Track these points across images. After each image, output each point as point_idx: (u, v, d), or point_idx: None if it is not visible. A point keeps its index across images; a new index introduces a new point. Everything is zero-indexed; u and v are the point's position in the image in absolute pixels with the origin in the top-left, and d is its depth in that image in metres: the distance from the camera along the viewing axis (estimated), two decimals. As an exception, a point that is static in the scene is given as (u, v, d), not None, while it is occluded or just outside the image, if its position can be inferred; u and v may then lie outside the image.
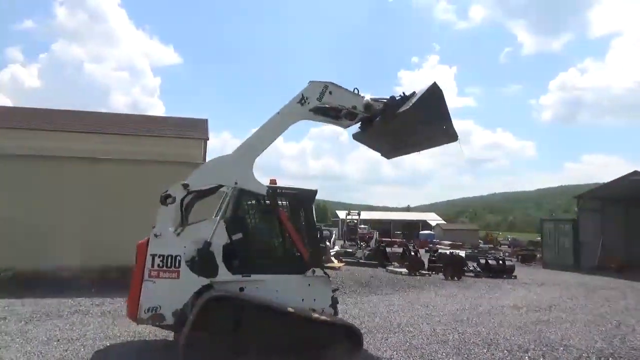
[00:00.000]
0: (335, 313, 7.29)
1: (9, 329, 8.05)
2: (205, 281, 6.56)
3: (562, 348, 8.14)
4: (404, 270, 19.96)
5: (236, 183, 7.07)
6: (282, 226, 7.16)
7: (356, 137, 8.57)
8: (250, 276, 6.82)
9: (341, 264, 20.71)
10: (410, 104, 7.37)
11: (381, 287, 15.08)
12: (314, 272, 7.12)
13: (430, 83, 7.49)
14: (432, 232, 65.54)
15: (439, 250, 27.23)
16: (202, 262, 6.59)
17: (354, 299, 12.65)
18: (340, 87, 7.62)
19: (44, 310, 9.49)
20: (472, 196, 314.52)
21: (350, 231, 37.49)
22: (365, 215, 58.28)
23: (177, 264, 6.56)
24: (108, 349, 7.16)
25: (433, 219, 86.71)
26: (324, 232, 33.78)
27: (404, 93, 7.80)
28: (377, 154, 8.98)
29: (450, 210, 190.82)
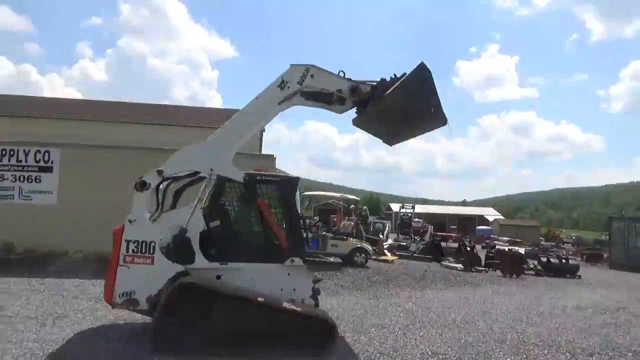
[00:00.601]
0: (316, 305, 7.06)
1: (81, 307, 8.61)
2: (180, 268, 6.54)
3: (630, 354, 7.68)
4: (460, 265, 19.51)
5: (212, 170, 6.95)
6: (261, 214, 6.96)
7: (354, 122, 8.07)
8: (227, 264, 6.73)
9: (395, 257, 20.56)
10: (395, 86, 6.97)
11: (435, 282, 14.83)
12: (292, 261, 6.90)
13: (418, 64, 6.98)
14: (489, 228, 63.57)
15: (497, 247, 26.38)
16: (178, 248, 6.59)
17: (407, 293, 12.52)
18: (323, 70, 7.25)
19: (112, 291, 10.06)
20: (533, 191, 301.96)
21: (404, 224, 36.98)
22: (419, 208, 57.33)
23: (151, 250, 6.58)
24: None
25: (490, 214, 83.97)
26: (377, 224, 33.62)
27: (395, 75, 7.31)
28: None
29: (509, 205, 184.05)
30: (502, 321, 9.56)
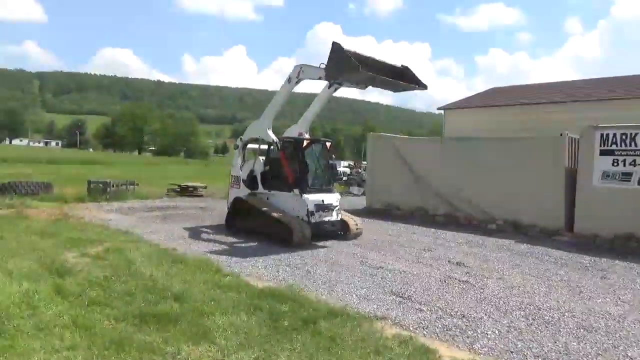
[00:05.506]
0: (309, 221, 10.17)
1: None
2: (248, 191, 11.39)
3: None
4: None
5: (259, 136, 11.45)
6: (281, 162, 10.71)
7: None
8: (271, 192, 11.05)
9: None
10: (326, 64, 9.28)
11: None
12: (293, 191, 10.42)
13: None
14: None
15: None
16: (250, 181, 11.41)
17: None
18: (309, 65, 10.19)
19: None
20: None
21: None
22: None
23: (239, 181, 11.78)
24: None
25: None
26: None
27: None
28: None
29: None
30: None
